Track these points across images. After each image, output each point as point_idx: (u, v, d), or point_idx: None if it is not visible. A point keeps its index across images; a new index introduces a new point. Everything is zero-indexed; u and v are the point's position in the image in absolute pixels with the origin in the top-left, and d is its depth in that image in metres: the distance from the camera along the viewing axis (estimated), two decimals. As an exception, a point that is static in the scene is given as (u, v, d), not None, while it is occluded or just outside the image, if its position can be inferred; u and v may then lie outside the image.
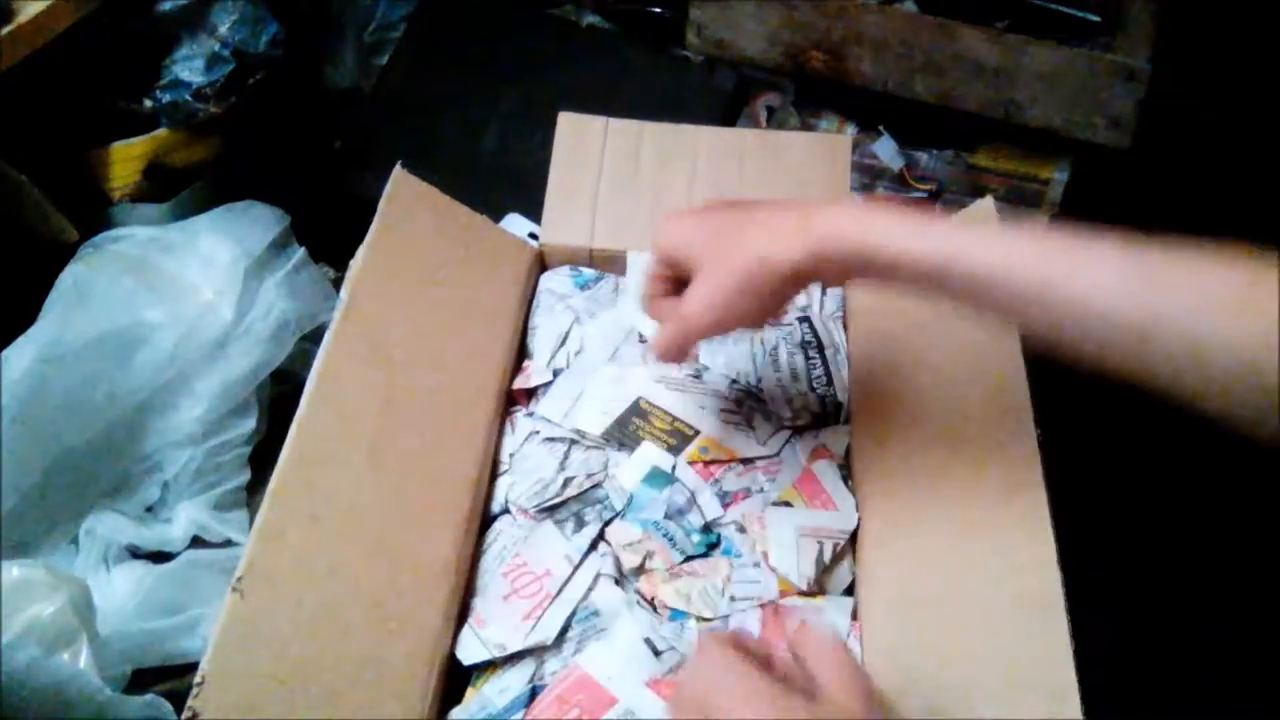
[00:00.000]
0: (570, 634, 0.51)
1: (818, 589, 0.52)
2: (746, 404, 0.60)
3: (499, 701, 0.48)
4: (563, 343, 0.64)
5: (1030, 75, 0.83)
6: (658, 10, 0.96)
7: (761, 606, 0.51)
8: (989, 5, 0.86)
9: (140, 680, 0.58)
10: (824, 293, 0.66)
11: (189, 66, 0.80)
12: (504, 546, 0.56)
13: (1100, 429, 0.97)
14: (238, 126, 0.85)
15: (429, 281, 0.60)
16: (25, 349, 0.63)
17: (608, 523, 0.55)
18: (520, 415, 0.61)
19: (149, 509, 0.67)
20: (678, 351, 0.50)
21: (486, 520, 0.58)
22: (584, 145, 0.69)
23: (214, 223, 0.73)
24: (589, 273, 0.67)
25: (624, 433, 0.58)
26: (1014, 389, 0.49)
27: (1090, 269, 0.40)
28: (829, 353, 0.62)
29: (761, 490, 0.56)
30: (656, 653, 0.49)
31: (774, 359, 0.61)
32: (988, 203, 0.58)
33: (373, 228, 0.57)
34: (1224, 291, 0.38)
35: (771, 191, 0.68)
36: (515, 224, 0.79)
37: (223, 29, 0.81)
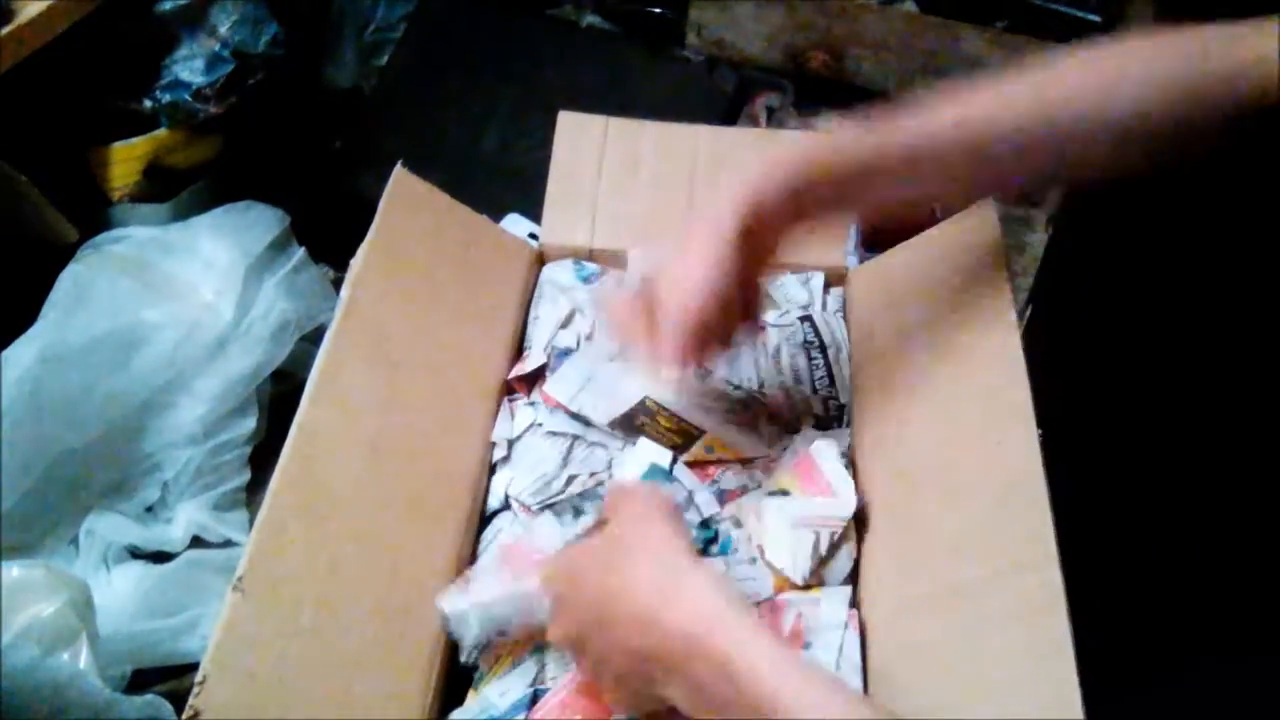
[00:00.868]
0: None
1: (815, 581, 0.52)
2: (752, 407, 0.60)
3: (500, 704, 0.48)
4: (565, 324, 0.63)
5: (1030, 75, 0.83)
6: (658, 10, 0.96)
7: (758, 604, 0.51)
8: (989, 5, 0.86)
9: (140, 680, 0.58)
10: (826, 291, 0.66)
11: (189, 66, 0.80)
12: (502, 544, 0.56)
13: (1100, 429, 0.97)
14: (238, 126, 0.85)
15: (430, 281, 0.60)
16: (25, 349, 0.63)
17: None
18: (521, 403, 0.61)
19: (149, 509, 0.67)
20: (686, 346, 0.49)
21: (485, 516, 0.58)
22: (584, 145, 0.69)
23: (214, 223, 0.73)
24: (591, 266, 0.67)
25: (630, 426, 0.57)
26: (1014, 389, 0.49)
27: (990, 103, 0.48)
28: (831, 352, 0.62)
29: (759, 485, 0.56)
30: None
31: (776, 361, 0.61)
32: (987, 202, 0.58)
33: (373, 227, 0.57)
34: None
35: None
36: (515, 224, 0.79)
37: (223, 29, 0.81)
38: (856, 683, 0.47)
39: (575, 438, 0.58)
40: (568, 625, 0.45)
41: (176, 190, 0.82)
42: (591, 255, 0.68)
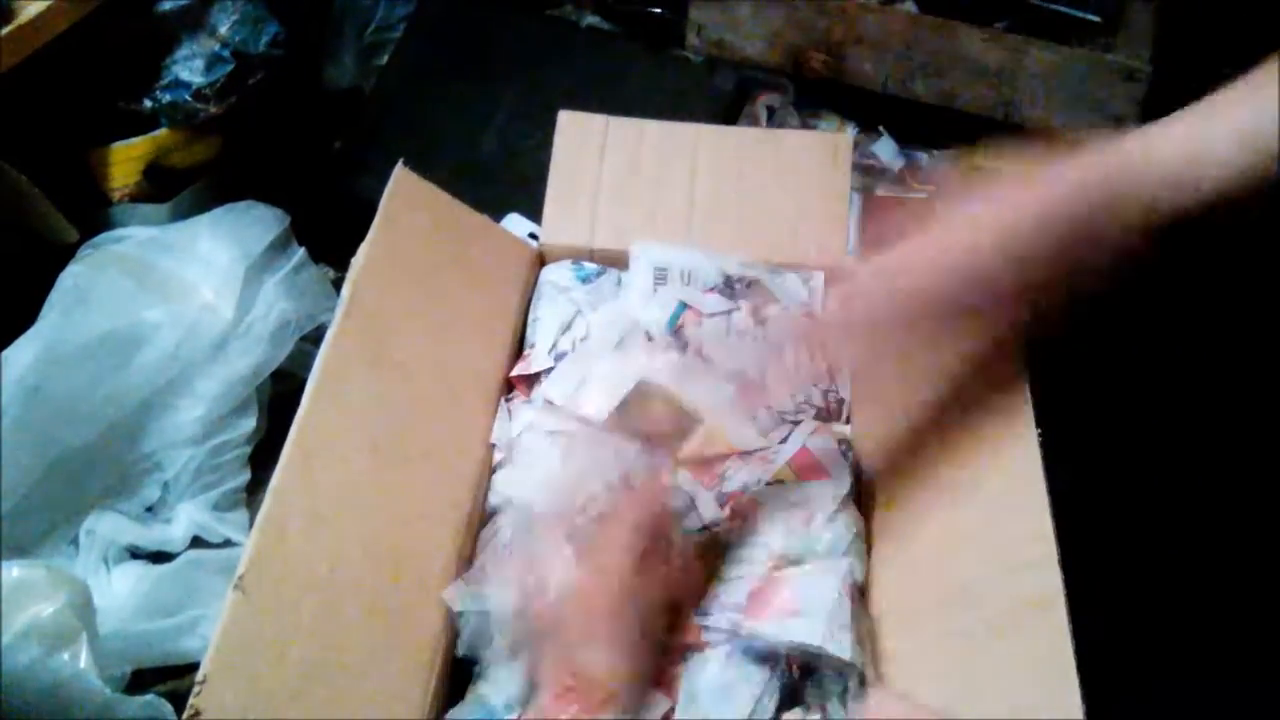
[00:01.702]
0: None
1: (808, 557, 0.51)
2: (752, 396, 0.59)
3: (496, 699, 0.48)
4: (566, 329, 0.63)
5: (1030, 75, 0.83)
6: (658, 10, 0.96)
7: (751, 581, 0.50)
8: (989, 5, 0.86)
9: (140, 680, 0.58)
10: (826, 290, 0.66)
11: (189, 66, 0.80)
12: (504, 545, 0.56)
13: (1100, 429, 0.97)
14: (238, 126, 0.85)
15: (430, 281, 0.60)
16: (25, 349, 0.63)
17: None
18: (519, 403, 0.61)
19: (149, 509, 0.67)
20: None
21: (486, 515, 0.58)
22: (584, 144, 0.69)
23: (214, 223, 0.73)
24: (591, 267, 0.67)
25: (627, 420, 0.57)
26: (1014, 389, 0.49)
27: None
28: None
29: (759, 481, 0.56)
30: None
31: (778, 353, 0.61)
32: (988, 202, 0.58)
33: (374, 226, 0.57)
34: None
35: (772, 189, 0.68)
36: (515, 224, 0.79)
37: (223, 29, 0.81)
38: (845, 641, 0.45)
39: (574, 435, 0.58)
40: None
41: (176, 190, 0.82)
42: (592, 255, 0.68)
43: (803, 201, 0.67)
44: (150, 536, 0.65)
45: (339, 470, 0.49)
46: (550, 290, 0.66)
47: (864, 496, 0.56)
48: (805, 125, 0.94)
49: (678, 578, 0.51)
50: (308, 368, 0.51)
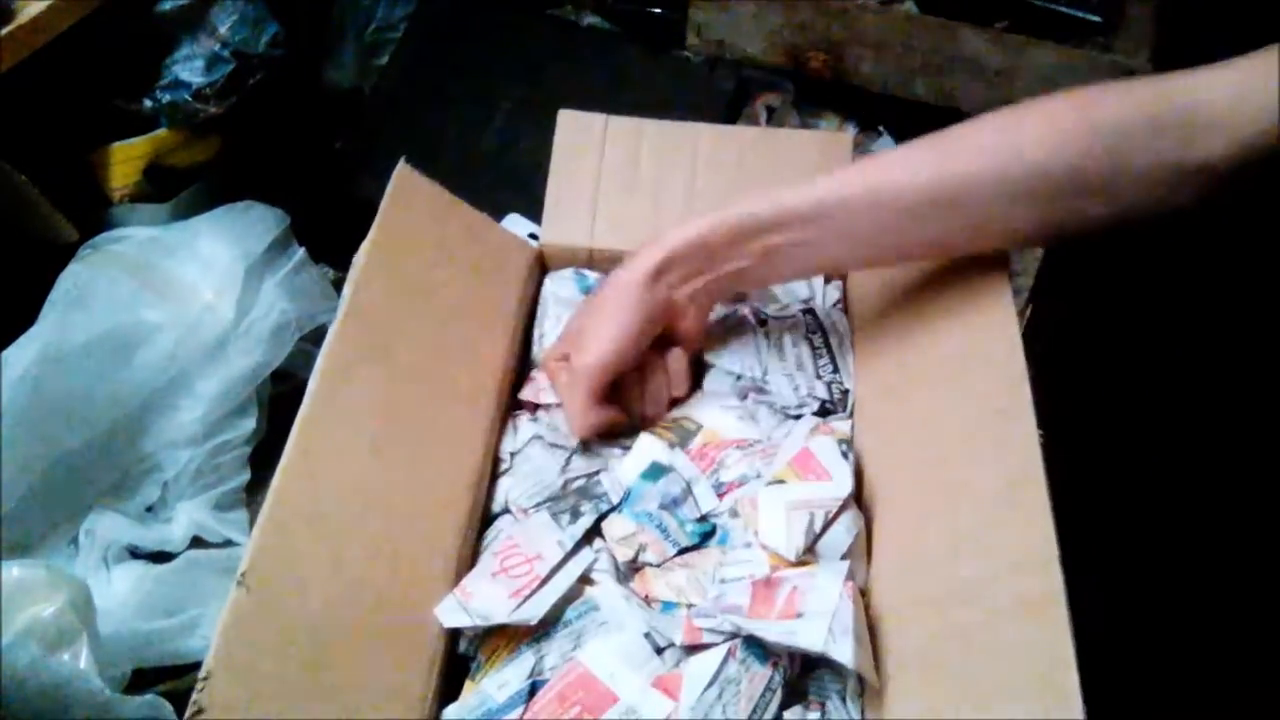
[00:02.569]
0: (569, 628, 0.51)
1: (809, 558, 0.51)
2: (750, 396, 0.60)
3: (498, 696, 0.48)
4: None
5: (1030, 75, 0.83)
6: (658, 10, 0.96)
7: (753, 582, 0.51)
8: (989, 5, 0.86)
9: (140, 680, 0.57)
10: (826, 283, 0.66)
11: (189, 67, 0.80)
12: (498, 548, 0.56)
13: (1100, 428, 0.97)
14: (238, 126, 0.85)
15: (431, 280, 0.60)
16: (25, 349, 0.62)
17: (603, 516, 0.55)
18: (524, 419, 0.61)
19: (149, 509, 0.67)
20: (582, 401, 0.55)
21: (486, 519, 0.58)
22: (584, 144, 0.69)
23: (214, 223, 0.73)
24: (593, 276, 0.67)
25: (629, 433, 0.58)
26: (1014, 388, 0.49)
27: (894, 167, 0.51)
28: (834, 341, 0.62)
29: (758, 475, 0.56)
30: (658, 650, 0.49)
31: (779, 349, 0.61)
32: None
33: (375, 225, 0.57)
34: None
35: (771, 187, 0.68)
36: (515, 224, 0.79)
37: (223, 29, 0.81)
38: (847, 645, 0.45)
39: (574, 452, 0.58)
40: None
41: (176, 190, 0.82)
42: (591, 255, 0.68)
43: (803, 201, 0.67)
44: (150, 536, 0.65)
45: (340, 469, 0.49)
46: (556, 307, 0.66)
47: (864, 495, 0.56)
48: (805, 125, 0.94)
49: (681, 313, 0.57)
50: (308, 368, 0.51)
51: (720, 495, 0.56)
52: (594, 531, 0.55)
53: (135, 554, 0.65)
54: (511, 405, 0.63)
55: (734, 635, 0.48)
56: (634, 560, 0.53)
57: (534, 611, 0.50)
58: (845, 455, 0.54)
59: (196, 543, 0.66)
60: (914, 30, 0.85)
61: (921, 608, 0.48)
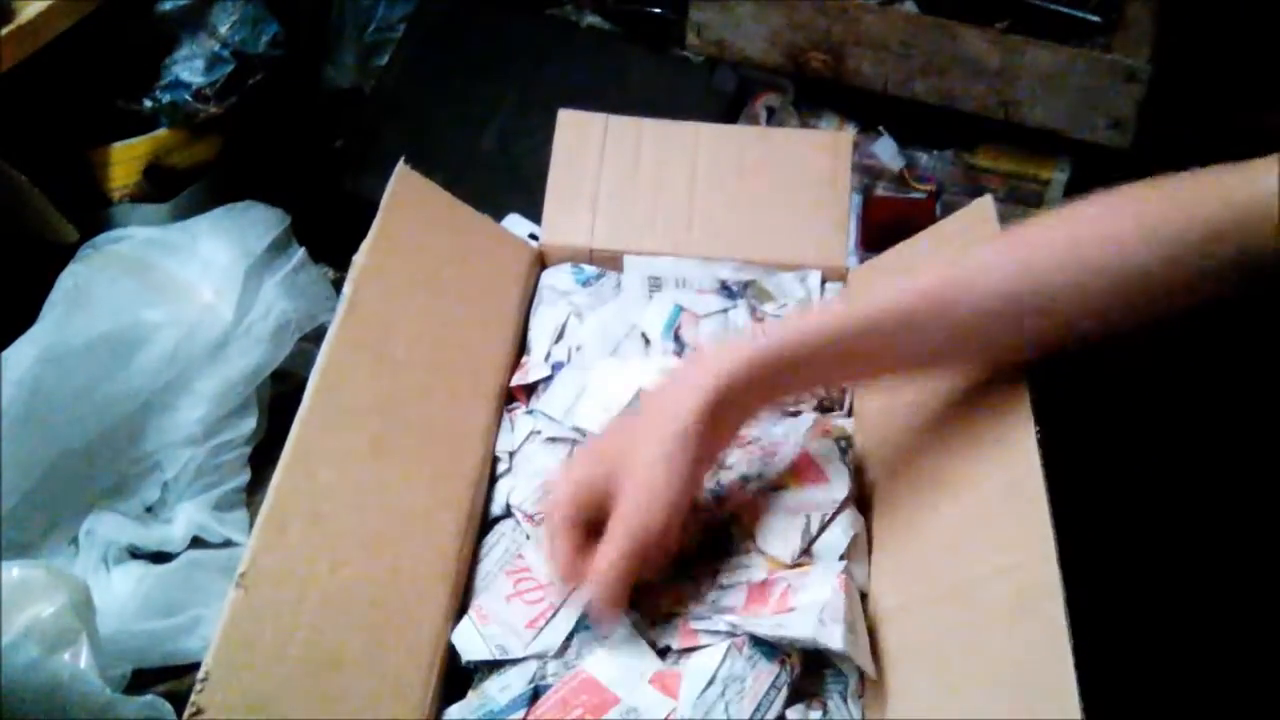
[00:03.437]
0: (571, 642, 0.51)
1: (806, 560, 0.51)
2: None
3: (500, 699, 0.48)
4: (559, 337, 0.63)
5: (1030, 75, 0.83)
6: (658, 10, 0.96)
7: (749, 586, 0.50)
8: (989, 5, 0.86)
9: (140, 680, 0.57)
10: (823, 287, 0.66)
11: (189, 66, 0.80)
12: (506, 549, 0.56)
13: (1100, 427, 0.97)
14: (238, 126, 0.85)
15: (431, 280, 0.60)
16: (25, 349, 0.63)
17: None
18: (520, 413, 0.61)
19: (149, 509, 0.67)
20: (625, 573, 0.45)
21: (488, 522, 0.58)
22: (584, 144, 0.69)
23: (214, 223, 0.73)
24: (590, 270, 0.67)
25: None
26: (1014, 388, 0.49)
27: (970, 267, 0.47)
28: None
29: (760, 475, 0.55)
30: (661, 655, 0.49)
31: None
32: (987, 202, 0.58)
33: (375, 224, 0.57)
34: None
35: (772, 189, 0.68)
36: (515, 224, 0.79)
37: (223, 29, 0.81)
38: (837, 631, 0.44)
39: (574, 443, 0.58)
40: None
41: (176, 190, 0.82)
42: (591, 255, 0.68)
43: (803, 201, 0.67)
44: (150, 536, 0.65)
45: (339, 469, 0.49)
46: (550, 295, 0.66)
47: (864, 495, 0.56)
48: (805, 125, 0.94)
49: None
50: (308, 368, 0.51)
51: (721, 498, 0.55)
52: None
53: (135, 554, 0.65)
54: (508, 400, 0.63)
55: (729, 635, 0.48)
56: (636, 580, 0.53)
57: (551, 642, 0.50)
58: (844, 453, 0.54)
59: (196, 543, 0.66)
60: (914, 30, 0.85)
61: (920, 607, 0.48)
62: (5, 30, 0.69)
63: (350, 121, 0.96)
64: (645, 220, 0.67)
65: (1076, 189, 0.90)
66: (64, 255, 0.71)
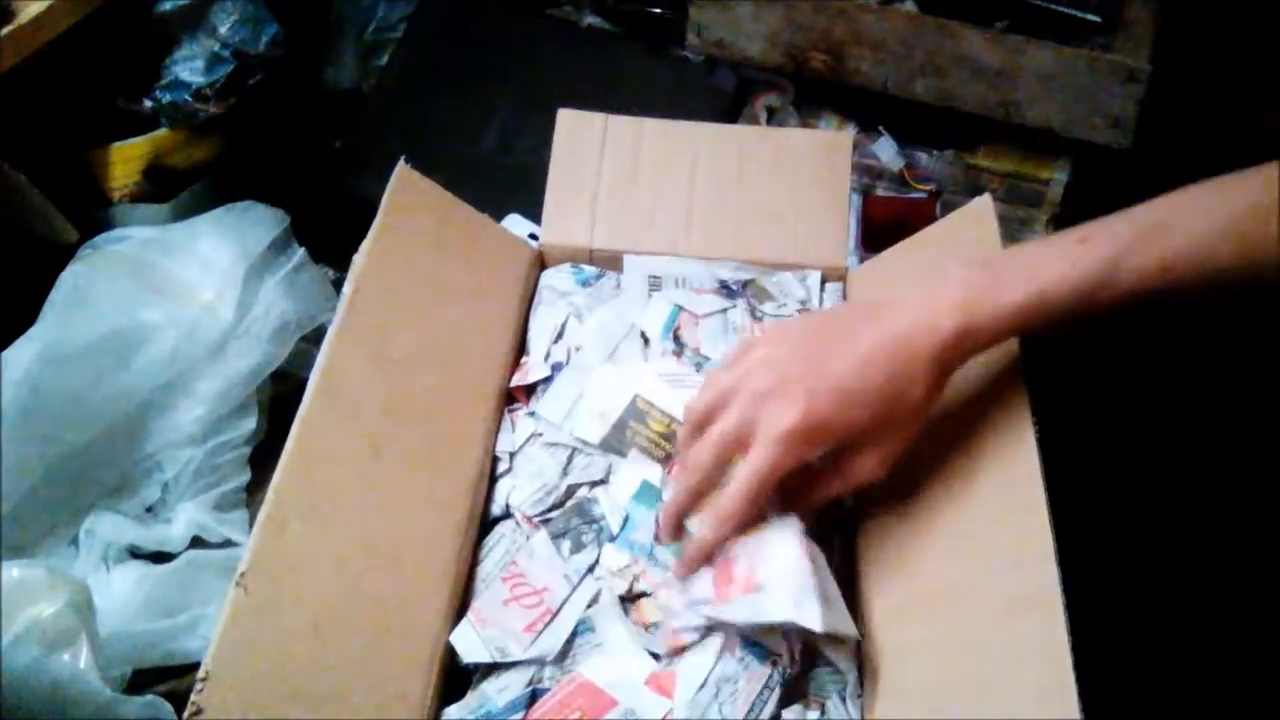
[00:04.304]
0: (569, 648, 0.51)
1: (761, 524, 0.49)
2: None
3: (498, 700, 0.48)
4: (558, 337, 0.63)
5: (1030, 75, 0.83)
6: (658, 10, 0.96)
7: (713, 567, 0.49)
8: (989, 5, 0.86)
9: (140, 680, 0.58)
10: (822, 288, 0.66)
11: (189, 66, 0.80)
12: (505, 551, 0.56)
13: (1100, 427, 0.97)
14: (238, 126, 0.85)
15: (431, 280, 0.60)
16: (25, 349, 0.63)
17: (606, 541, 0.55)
18: (521, 414, 0.61)
19: (149, 509, 0.67)
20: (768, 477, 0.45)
21: (488, 523, 0.58)
22: (584, 144, 0.69)
23: (214, 223, 0.73)
24: (590, 270, 0.67)
25: (620, 439, 0.57)
26: (1013, 388, 0.49)
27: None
28: None
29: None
30: (656, 659, 0.49)
31: None
32: (987, 202, 0.58)
33: (376, 224, 0.57)
34: None
35: (772, 189, 0.68)
36: (515, 224, 0.79)
37: (223, 29, 0.81)
38: (814, 610, 0.43)
39: (574, 449, 0.58)
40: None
41: (176, 190, 0.82)
42: (591, 255, 0.68)
43: (803, 201, 0.67)
44: (150, 536, 0.65)
45: (340, 469, 0.50)
46: (549, 295, 0.66)
47: (864, 495, 0.56)
48: (805, 125, 0.94)
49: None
50: (308, 368, 0.51)
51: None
52: (594, 562, 0.54)
53: (135, 554, 0.65)
54: (509, 400, 0.63)
55: (707, 629, 0.48)
56: (629, 591, 0.53)
57: (549, 645, 0.50)
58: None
59: (196, 543, 0.66)
60: (914, 30, 0.85)
61: (920, 607, 0.48)
62: (5, 30, 0.69)
63: (350, 121, 0.96)
64: (645, 220, 0.67)
65: (1076, 189, 0.90)
66: (64, 255, 0.71)
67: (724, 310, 0.63)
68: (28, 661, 0.47)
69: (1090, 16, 0.86)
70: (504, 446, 0.60)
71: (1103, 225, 0.45)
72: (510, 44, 0.95)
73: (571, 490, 0.57)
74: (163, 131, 0.81)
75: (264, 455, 0.69)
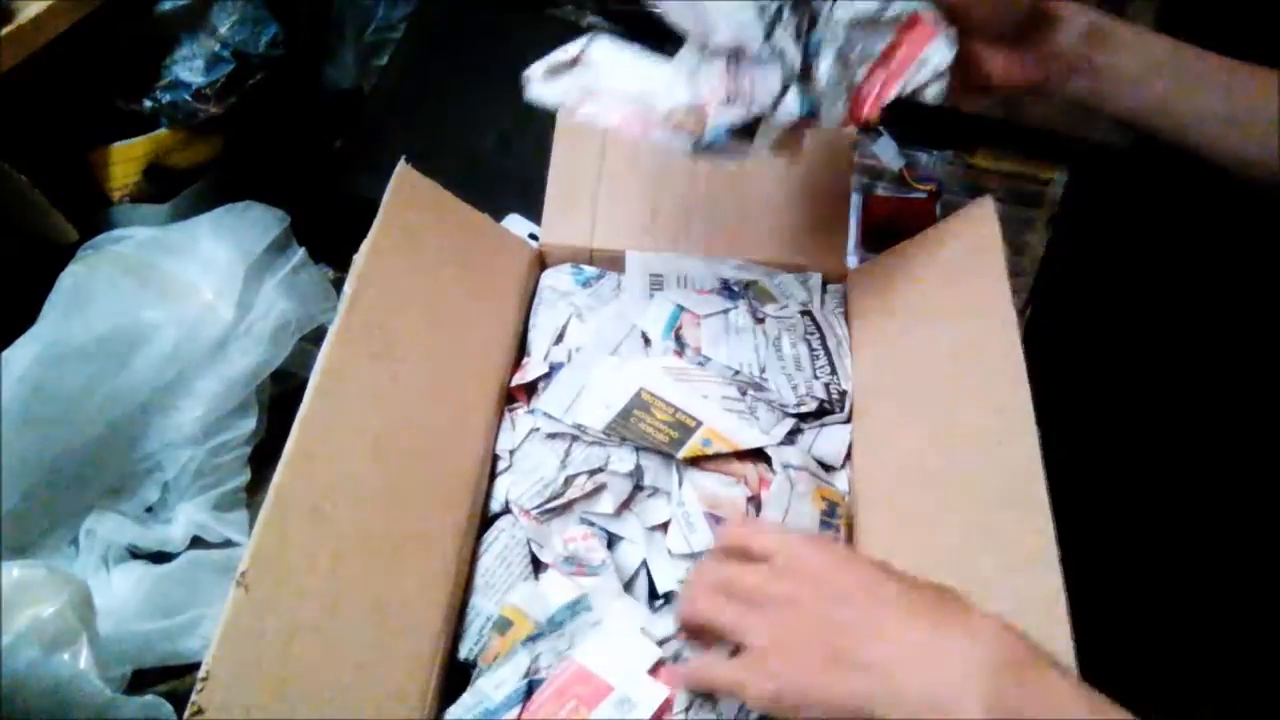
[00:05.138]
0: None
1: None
2: (749, 393, 0.60)
3: (495, 696, 0.48)
4: (559, 337, 0.63)
5: (1030, 75, 0.83)
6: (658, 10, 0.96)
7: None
8: (989, 5, 0.86)
9: (140, 680, 0.58)
10: (824, 289, 0.66)
11: (189, 67, 0.80)
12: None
13: (1100, 429, 0.97)
14: (238, 126, 0.85)
15: (432, 280, 0.60)
16: (25, 349, 0.63)
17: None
18: (521, 412, 0.61)
19: (149, 509, 0.67)
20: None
21: (487, 519, 0.58)
22: (584, 144, 0.69)
23: (214, 223, 0.73)
24: (590, 270, 0.67)
25: (626, 426, 0.57)
26: (1014, 389, 0.49)
27: None
28: (831, 343, 0.62)
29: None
30: (658, 645, 0.49)
31: (777, 348, 0.61)
32: (986, 202, 0.58)
33: (376, 224, 0.57)
34: None
35: (772, 189, 0.68)
36: (515, 224, 0.79)
37: (223, 29, 0.81)
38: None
39: (573, 438, 0.58)
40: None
41: (176, 190, 0.82)
42: (591, 255, 0.68)
43: (803, 201, 0.67)
44: (150, 536, 0.65)
45: (340, 469, 0.50)
46: (550, 295, 0.66)
47: (864, 496, 0.56)
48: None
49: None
50: (308, 368, 0.51)
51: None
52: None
53: (135, 554, 0.65)
54: (509, 400, 0.63)
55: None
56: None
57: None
58: (826, 525, 0.54)
59: (196, 543, 0.66)
60: (914, 30, 0.84)
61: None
62: (5, 30, 0.69)
63: (350, 121, 0.96)
64: (645, 220, 0.67)
65: (1076, 189, 0.90)
66: (64, 255, 0.70)
67: (725, 311, 0.64)
68: (28, 661, 0.47)
69: (1090, 17, 0.85)
70: (504, 445, 0.60)
71: None
72: (510, 44, 0.95)
73: (570, 481, 0.57)
74: (162, 132, 0.81)
75: (264, 455, 0.69)
